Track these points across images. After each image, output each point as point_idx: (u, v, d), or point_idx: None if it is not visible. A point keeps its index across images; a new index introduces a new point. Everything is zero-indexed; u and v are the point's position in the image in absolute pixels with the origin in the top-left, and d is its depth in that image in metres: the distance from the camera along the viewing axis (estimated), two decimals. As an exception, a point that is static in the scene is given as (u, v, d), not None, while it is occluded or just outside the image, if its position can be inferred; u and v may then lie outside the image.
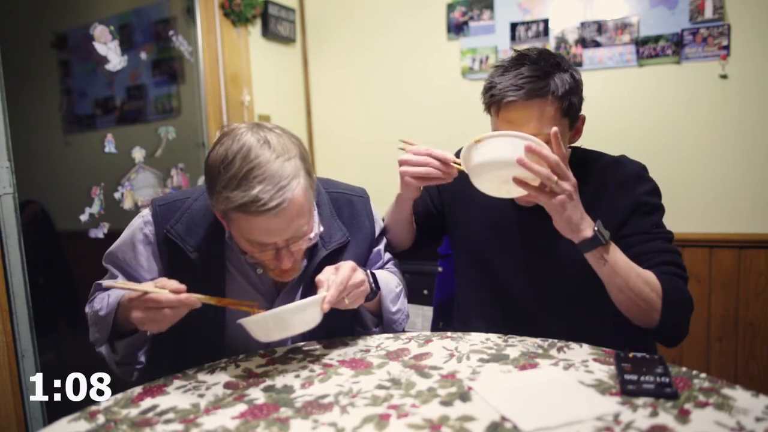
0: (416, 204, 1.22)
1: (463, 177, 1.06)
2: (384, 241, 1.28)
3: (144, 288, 0.88)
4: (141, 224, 1.10)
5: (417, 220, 1.27)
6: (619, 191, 1.12)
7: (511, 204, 1.18)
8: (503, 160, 0.94)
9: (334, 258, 1.10)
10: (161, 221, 1.08)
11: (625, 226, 1.10)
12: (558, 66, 1.05)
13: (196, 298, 0.90)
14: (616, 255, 0.99)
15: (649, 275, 1.02)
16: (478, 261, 1.24)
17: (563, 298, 1.15)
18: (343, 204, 1.18)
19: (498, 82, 1.05)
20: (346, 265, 1.00)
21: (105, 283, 1.04)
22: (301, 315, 0.93)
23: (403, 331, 1.16)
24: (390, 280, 1.18)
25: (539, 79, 1.02)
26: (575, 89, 1.05)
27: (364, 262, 1.19)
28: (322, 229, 1.09)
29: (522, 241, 1.18)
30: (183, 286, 0.89)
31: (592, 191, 1.12)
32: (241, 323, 0.93)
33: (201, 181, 2.09)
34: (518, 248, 1.18)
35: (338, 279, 0.97)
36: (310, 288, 1.09)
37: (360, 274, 1.02)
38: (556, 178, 0.92)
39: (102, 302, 1.03)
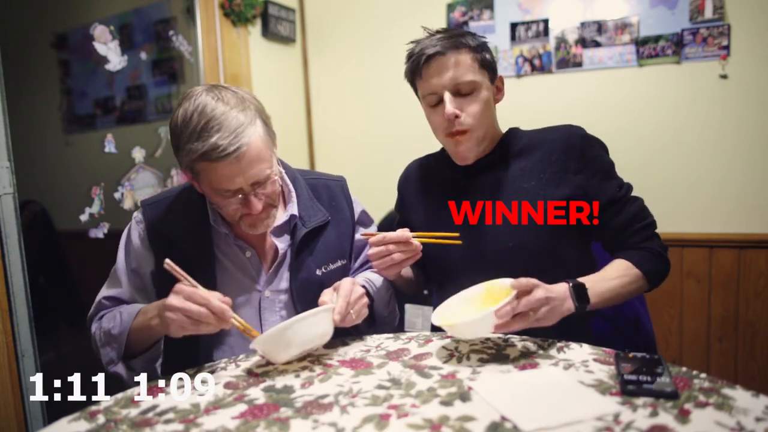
0: None
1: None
2: (370, 226, 1.31)
3: (196, 284, 0.93)
4: (134, 225, 1.15)
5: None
6: (569, 153, 1.15)
7: (439, 201, 1.23)
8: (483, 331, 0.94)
9: (316, 237, 1.17)
10: (151, 218, 1.14)
11: (596, 196, 1.14)
12: (467, 32, 1.17)
13: (232, 318, 0.92)
14: (597, 288, 1.03)
15: (630, 270, 1.10)
16: (437, 265, 1.24)
17: (517, 260, 1.14)
18: (321, 188, 1.23)
19: (415, 49, 1.17)
20: (346, 281, 1.05)
21: (168, 263, 0.92)
22: (312, 326, 0.93)
23: (403, 331, 1.16)
24: (380, 286, 1.20)
25: (451, 38, 1.14)
26: (487, 48, 1.17)
27: (348, 242, 1.23)
28: (298, 210, 1.15)
29: (465, 230, 1.17)
30: (229, 299, 0.92)
31: (538, 160, 1.17)
32: (254, 347, 0.94)
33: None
34: (460, 229, 1.17)
35: (342, 292, 1.01)
36: (295, 267, 1.14)
37: (359, 288, 1.05)
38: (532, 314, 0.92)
39: (114, 320, 1.04)
